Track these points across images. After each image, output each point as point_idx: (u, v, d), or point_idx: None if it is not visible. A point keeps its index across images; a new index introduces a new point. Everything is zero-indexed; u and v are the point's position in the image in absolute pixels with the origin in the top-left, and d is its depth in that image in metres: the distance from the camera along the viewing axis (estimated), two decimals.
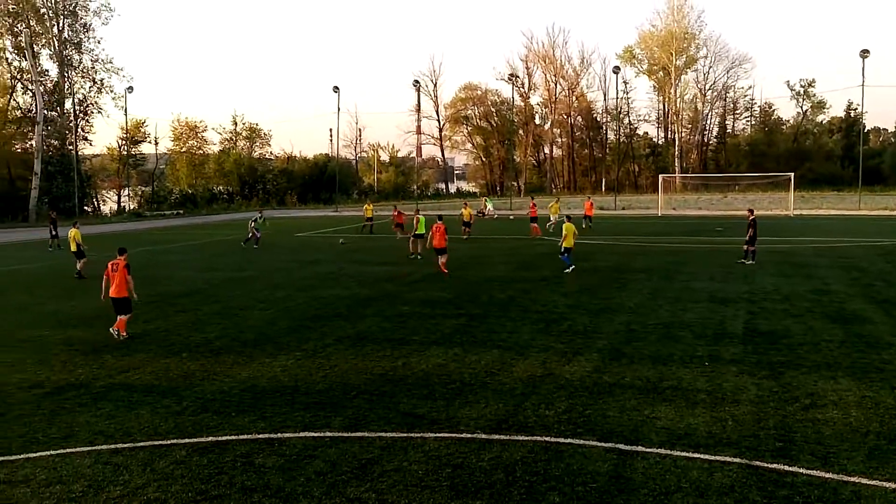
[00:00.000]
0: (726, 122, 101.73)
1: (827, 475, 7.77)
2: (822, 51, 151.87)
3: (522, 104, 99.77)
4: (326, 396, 10.88)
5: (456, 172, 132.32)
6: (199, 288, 21.96)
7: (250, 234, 34.79)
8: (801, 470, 7.91)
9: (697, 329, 14.90)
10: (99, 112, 72.80)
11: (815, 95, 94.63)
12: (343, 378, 11.86)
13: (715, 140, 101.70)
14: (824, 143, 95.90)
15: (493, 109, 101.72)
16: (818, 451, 8.40)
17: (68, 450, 8.92)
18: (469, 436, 9.11)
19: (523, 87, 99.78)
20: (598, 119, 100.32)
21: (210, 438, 9.22)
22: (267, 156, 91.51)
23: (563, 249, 23.55)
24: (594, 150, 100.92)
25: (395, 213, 39.74)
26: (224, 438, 9.21)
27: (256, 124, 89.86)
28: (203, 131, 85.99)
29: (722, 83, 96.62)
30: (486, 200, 59.14)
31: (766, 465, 8.07)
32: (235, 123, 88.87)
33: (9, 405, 10.76)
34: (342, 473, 8.05)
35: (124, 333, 15.02)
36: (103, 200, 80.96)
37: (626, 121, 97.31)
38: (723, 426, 9.27)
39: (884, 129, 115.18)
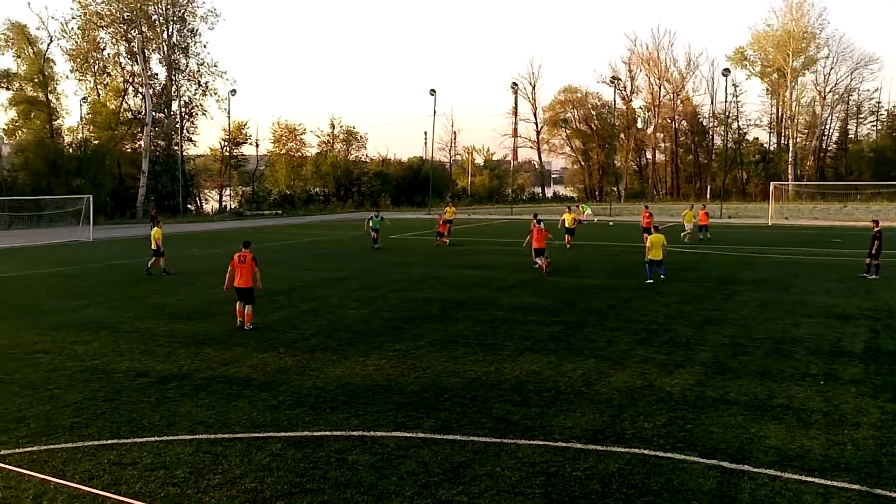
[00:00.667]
0: (848, 127, 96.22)
1: None
2: None
3: (624, 107, 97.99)
4: (419, 397, 11.06)
5: (553, 176, 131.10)
6: (296, 286, 22.69)
7: (374, 236, 34.72)
8: None
9: (811, 345, 14.30)
10: (203, 114, 76.33)
11: None
12: (435, 380, 12.03)
13: (834, 146, 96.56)
14: None
15: (593, 112, 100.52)
16: None
17: (171, 437, 9.43)
18: (564, 444, 9.06)
19: (625, 90, 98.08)
20: (705, 123, 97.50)
21: (305, 433, 9.53)
22: (363, 158, 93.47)
23: (647, 260, 22.88)
24: (699, 156, 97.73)
25: (441, 219, 37.44)
26: (318, 434, 9.50)
27: (353, 127, 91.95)
28: (302, 134, 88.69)
29: (844, 85, 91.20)
30: (582, 206, 58.48)
31: (889, 493, 7.64)
32: (333, 126, 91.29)
33: (118, 392, 11.48)
34: (434, 475, 8.17)
35: (249, 325, 16.12)
36: (205, 199, 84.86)
37: (734, 125, 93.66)
38: (841, 450, 8.85)
39: None
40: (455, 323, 16.81)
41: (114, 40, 70.83)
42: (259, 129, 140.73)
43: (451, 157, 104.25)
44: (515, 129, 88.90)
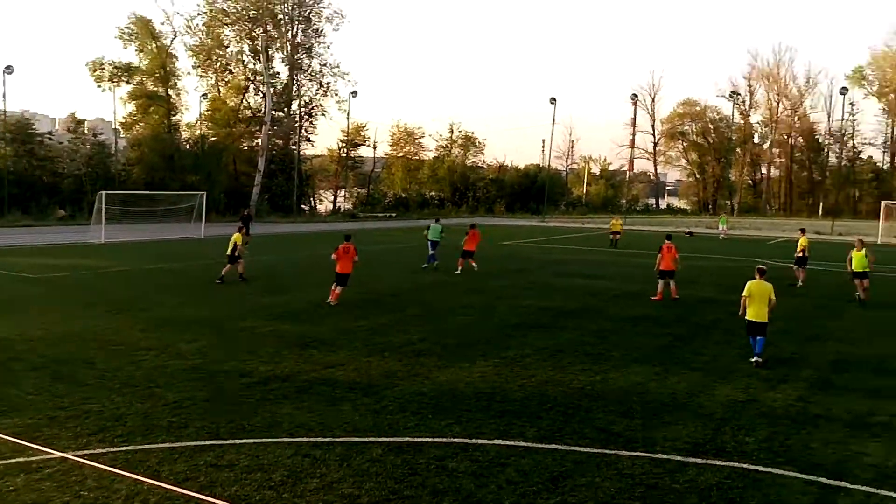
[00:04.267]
0: None
1: None
2: None
3: (742, 122, 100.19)
4: (522, 406, 11.20)
5: (667, 188, 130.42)
6: (405, 289, 23.09)
7: (431, 252, 29.76)
8: None
9: None
10: (323, 114, 78.00)
11: None
12: (540, 389, 12.19)
13: None
14: None
15: (710, 126, 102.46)
16: None
17: (271, 439, 9.63)
18: (665, 457, 9.29)
19: (744, 105, 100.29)
20: (820, 140, 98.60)
21: (406, 439, 9.70)
22: (480, 164, 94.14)
23: (746, 321, 14.36)
24: (813, 173, 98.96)
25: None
26: (420, 440, 9.65)
27: (472, 132, 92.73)
28: (420, 137, 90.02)
29: None
30: (720, 220, 58.19)
31: None
32: (452, 131, 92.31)
33: (219, 392, 11.77)
34: (533, 484, 8.32)
35: (334, 301, 19.58)
36: (320, 200, 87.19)
37: (849, 143, 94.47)
38: None
39: None
40: (563, 332, 16.95)
41: (238, 38, 72.46)
42: (377, 132, 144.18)
43: (567, 165, 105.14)
44: (633, 140, 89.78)
